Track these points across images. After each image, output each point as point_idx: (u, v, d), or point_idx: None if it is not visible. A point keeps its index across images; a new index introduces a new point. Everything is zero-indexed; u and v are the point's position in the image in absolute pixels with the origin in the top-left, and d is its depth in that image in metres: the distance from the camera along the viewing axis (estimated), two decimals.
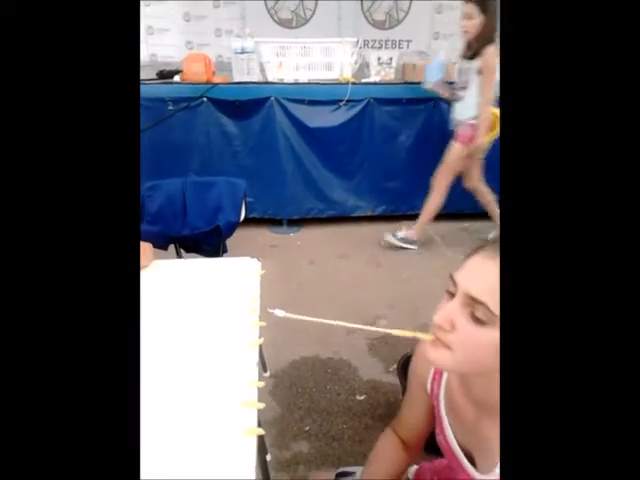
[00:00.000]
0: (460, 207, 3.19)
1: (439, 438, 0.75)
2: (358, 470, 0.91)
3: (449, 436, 0.71)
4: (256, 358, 0.76)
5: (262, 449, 1.31)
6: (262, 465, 1.29)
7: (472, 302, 0.55)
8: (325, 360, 1.85)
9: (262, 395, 1.60)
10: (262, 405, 0.67)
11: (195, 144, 2.86)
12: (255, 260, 1.03)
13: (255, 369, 0.75)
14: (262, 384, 0.74)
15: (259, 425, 1.25)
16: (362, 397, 1.67)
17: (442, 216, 3.18)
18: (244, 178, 1.90)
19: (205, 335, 0.82)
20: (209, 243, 1.60)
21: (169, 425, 0.63)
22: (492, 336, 0.54)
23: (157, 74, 3.00)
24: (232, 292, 0.94)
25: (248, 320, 0.86)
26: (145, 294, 0.94)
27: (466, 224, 3.17)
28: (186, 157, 2.88)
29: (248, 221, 3.00)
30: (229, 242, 1.85)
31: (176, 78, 2.91)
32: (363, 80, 3.01)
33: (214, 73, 2.91)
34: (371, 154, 3.01)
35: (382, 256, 2.76)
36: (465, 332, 0.56)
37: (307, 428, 1.53)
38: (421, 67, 3.04)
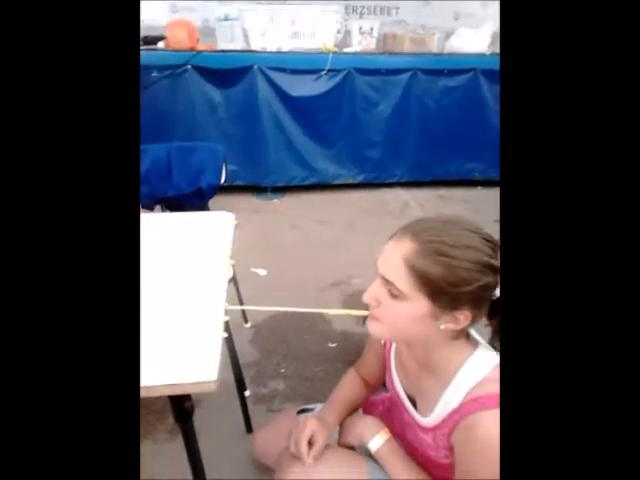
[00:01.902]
0: (437, 175, 3.34)
1: (388, 384, 0.92)
2: (317, 407, 1.06)
3: (396, 383, 0.88)
4: (225, 284, 0.91)
5: (241, 386, 1.48)
6: (241, 399, 1.47)
7: (386, 282, 0.69)
8: (302, 313, 2.01)
9: (243, 343, 1.78)
10: (227, 317, 0.82)
11: (180, 112, 2.93)
12: (230, 214, 1.17)
13: (224, 284, 0.91)
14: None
15: (239, 367, 1.42)
16: (334, 345, 1.85)
17: (419, 183, 3.34)
18: (228, 146, 2.01)
19: (184, 268, 0.97)
20: (193, 203, 1.73)
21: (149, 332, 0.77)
22: (406, 307, 0.68)
23: (141, 39, 3.03)
24: (208, 239, 1.09)
25: (221, 258, 1.01)
26: None
27: (442, 191, 3.32)
28: (171, 124, 2.95)
29: (233, 188, 3.12)
30: (214, 209, 1.97)
31: (160, 44, 2.95)
32: (345, 50, 3.08)
33: (198, 40, 2.95)
34: (351, 123, 3.11)
35: (360, 221, 2.90)
36: (386, 306, 0.70)
37: (283, 370, 1.70)
38: (401, 37, 3.12)
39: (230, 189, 3.07)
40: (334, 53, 2.91)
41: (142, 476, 1.32)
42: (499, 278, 0.66)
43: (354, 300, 2.12)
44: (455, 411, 0.71)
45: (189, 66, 2.80)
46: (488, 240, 0.68)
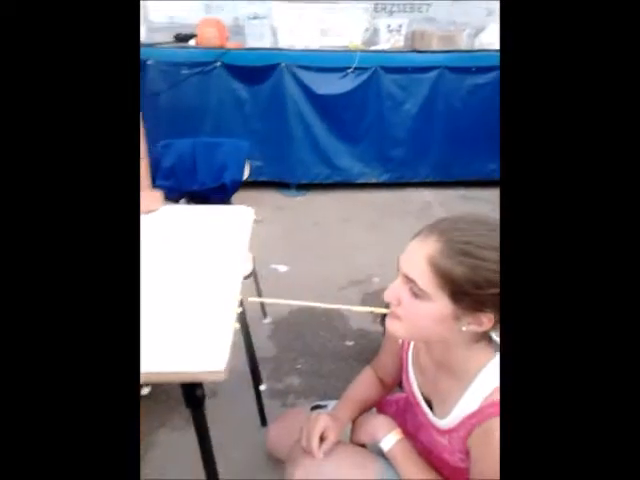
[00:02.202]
0: (458, 175, 3.29)
1: (404, 384, 0.91)
2: (330, 403, 1.06)
3: (412, 383, 0.87)
4: (240, 277, 0.93)
5: (257, 380, 1.50)
6: (256, 393, 1.49)
7: (408, 280, 0.68)
8: (320, 310, 2.02)
9: (261, 338, 1.80)
10: (240, 309, 0.83)
11: (208, 108, 2.98)
12: (250, 208, 1.20)
13: (240, 276, 0.92)
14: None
15: (255, 361, 1.44)
16: (351, 343, 1.85)
17: (440, 184, 3.30)
18: (254, 142, 2.03)
19: (202, 259, 0.99)
20: (216, 198, 1.76)
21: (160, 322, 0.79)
22: (427, 307, 0.67)
23: (174, 37, 3.11)
24: (228, 232, 1.12)
25: (238, 251, 1.03)
26: (154, 230, 1.14)
27: (463, 191, 3.27)
28: (199, 120, 3.00)
29: (257, 184, 3.16)
30: (238, 203, 2.00)
31: (191, 42, 3.01)
32: (372, 47, 3.06)
33: (228, 38, 3.00)
34: (377, 122, 3.09)
35: (382, 221, 2.89)
36: (408, 305, 0.69)
37: (299, 366, 1.72)
38: (430, 34, 3.08)
39: (254, 184, 3.10)
40: (361, 51, 2.90)
41: (158, 462, 1.36)
42: None
43: (374, 299, 2.12)
44: (472, 415, 0.70)
45: (218, 63, 2.84)
46: None
